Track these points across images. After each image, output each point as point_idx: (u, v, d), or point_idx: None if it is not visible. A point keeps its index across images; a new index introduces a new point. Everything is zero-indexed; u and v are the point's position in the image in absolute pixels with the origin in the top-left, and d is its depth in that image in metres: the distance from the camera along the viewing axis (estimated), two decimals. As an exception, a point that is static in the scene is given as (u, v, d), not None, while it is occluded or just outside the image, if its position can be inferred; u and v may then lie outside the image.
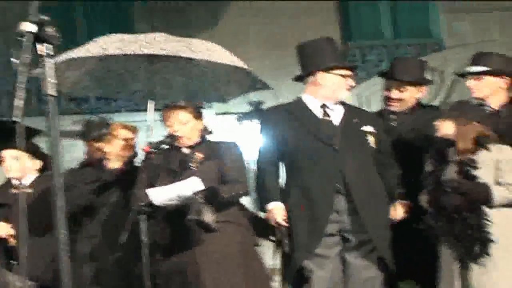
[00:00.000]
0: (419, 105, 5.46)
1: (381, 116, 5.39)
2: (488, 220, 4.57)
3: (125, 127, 5.50)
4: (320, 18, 10.21)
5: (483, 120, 4.82)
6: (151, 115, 5.44)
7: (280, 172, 5.01)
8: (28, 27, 2.54)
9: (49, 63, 2.59)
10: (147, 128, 5.40)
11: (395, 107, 5.39)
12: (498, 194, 4.61)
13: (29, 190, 5.38)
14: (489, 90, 5.12)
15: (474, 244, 4.54)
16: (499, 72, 5.10)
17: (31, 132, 5.40)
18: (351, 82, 5.00)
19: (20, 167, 5.45)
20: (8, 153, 5.45)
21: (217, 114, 9.76)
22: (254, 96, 9.22)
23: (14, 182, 5.47)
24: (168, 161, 4.98)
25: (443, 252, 4.69)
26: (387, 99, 5.42)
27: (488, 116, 4.99)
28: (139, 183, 4.90)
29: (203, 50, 5.33)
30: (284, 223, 4.81)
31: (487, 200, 4.59)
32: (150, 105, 5.52)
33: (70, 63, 5.33)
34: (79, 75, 5.63)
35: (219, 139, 5.18)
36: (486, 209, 4.61)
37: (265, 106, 8.00)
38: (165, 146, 4.94)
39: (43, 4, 2.49)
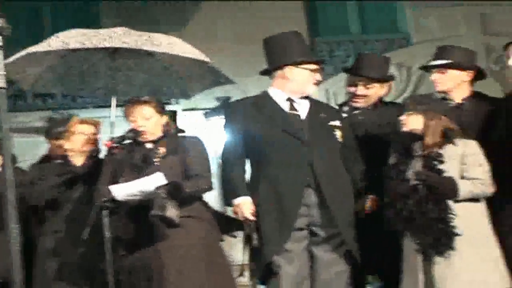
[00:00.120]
0: (381, 102, 5.47)
1: (342, 111, 5.37)
2: (453, 214, 4.57)
3: (84, 122, 5.47)
4: (288, 14, 10.19)
5: (446, 114, 4.83)
6: (113, 111, 5.40)
7: (245, 166, 4.98)
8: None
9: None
10: (110, 124, 5.36)
11: (360, 103, 5.39)
12: (464, 188, 4.61)
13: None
14: (452, 84, 5.14)
15: (438, 237, 4.54)
16: (462, 65, 5.13)
17: None
18: (318, 76, 5.00)
19: None
20: None
21: (184, 110, 9.72)
22: (221, 92, 9.19)
23: None
24: (131, 156, 4.94)
25: (405, 245, 4.69)
26: (352, 95, 5.40)
27: (451, 109, 5.02)
28: (102, 178, 4.87)
29: (165, 43, 5.34)
30: (252, 218, 4.77)
31: (454, 193, 4.59)
32: (113, 101, 5.48)
33: (31, 59, 5.30)
34: (40, 72, 5.61)
35: (184, 134, 5.15)
36: (450, 203, 4.61)
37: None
38: (128, 141, 4.91)
39: (8, 4, 2.44)
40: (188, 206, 4.82)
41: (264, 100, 4.99)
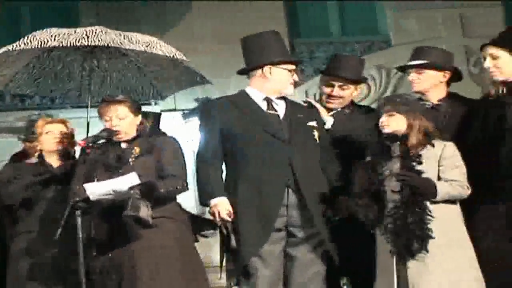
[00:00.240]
0: (353, 104, 5.48)
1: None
2: (431, 216, 4.56)
3: (51, 121, 5.45)
4: (268, 15, 10.16)
5: (424, 115, 4.82)
6: (88, 111, 5.39)
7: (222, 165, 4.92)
8: None
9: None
10: (86, 124, 5.35)
11: (335, 104, 5.37)
12: (441, 189, 4.60)
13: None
14: (429, 84, 5.15)
15: (414, 239, 4.52)
16: (438, 65, 5.13)
17: None
18: (296, 77, 4.98)
19: None
20: None
21: (163, 111, 9.64)
22: (201, 93, 9.16)
23: None
24: (106, 156, 4.92)
25: (379, 246, 4.67)
26: (328, 96, 5.37)
27: (427, 110, 5.02)
28: (76, 178, 4.85)
29: (142, 42, 5.33)
30: (229, 219, 4.71)
31: (433, 195, 4.58)
32: (89, 102, 5.47)
33: (6, 59, 5.28)
34: (14, 73, 5.59)
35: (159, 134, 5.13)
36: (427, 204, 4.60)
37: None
38: (102, 141, 4.88)
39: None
40: (162, 206, 4.80)
41: (242, 99, 4.95)
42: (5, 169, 5.53)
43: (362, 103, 9.08)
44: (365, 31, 10.99)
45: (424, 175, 4.61)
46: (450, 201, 4.65)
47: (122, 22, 9.03)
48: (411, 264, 4.52)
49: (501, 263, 4.59)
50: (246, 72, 5.01)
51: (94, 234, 4.74)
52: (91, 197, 4.67)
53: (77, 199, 4.61)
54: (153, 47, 5.40)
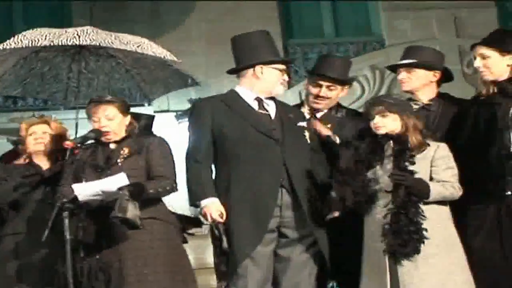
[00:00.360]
0: (339, 105, 5.46)
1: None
2: (424, 216, 4.54)
3: (34, 123, 5.42)
4: (262, 15, 10.14)
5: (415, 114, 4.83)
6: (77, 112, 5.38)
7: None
8: None
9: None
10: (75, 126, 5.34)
11: (322, 105, 5.35)
12: (434, 189, 4.59)
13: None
14: (418, 83, 5.14)
15: (410, 239, 4.50)
16: (428, 65, 5.12)
17: None
18: (286, 77, 4.95)
19: None
20: None
21: (156, 112, 9.63)
22: (195, 94, 9.14)
23: None
24: (94, 156, 4.90)
25: (368, 246, 4.65)
26: (315, 97, 5.34)
27: (418, 110, 5.01)
28: (64, 179, 4.82)
29: (133, 42, 5.32)
30: (221, 220, 4.66)
31: (426, 195, 4.57)
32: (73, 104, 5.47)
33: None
34: (2, 73, 5.58)
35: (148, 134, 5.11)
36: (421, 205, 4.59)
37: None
38: (90, 142, 4.86)
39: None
40: (152, 207, 4.78)
41: (233, 99, 4.91)
42: None
43: (356, 104, 9.15)
44: (358, 32, 10.98)
45: (416, 176, 4.59)
46: (441, 202, 4.64)
47: (115, 23, 9.01)
48: (403, 264, 4.51)
49: (491, 263, 4.59)
50: (236, 71, 4.98)
51: (81, 236, 4.71)
52: (79, 198, 4.65)
53: (64, 200, 4.59)
54: (144, 48, 5.40)
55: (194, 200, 4.76)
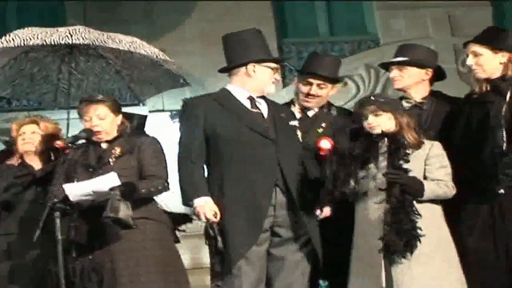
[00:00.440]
0: (330, 104, 5.43)
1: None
2: (419, 215, 4.54)
3: (23, 123, 5.42)
4: (256, 15, 10.10)
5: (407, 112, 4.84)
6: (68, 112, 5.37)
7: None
8: None
9: None
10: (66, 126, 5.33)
11: (312, 103, 5.32)
12: (428, 188, 4.59)
13: None
14: (410, 81, 5.13)
15: (410, 238, 4.50)
16: (420, 62, 5.11)
17: None
18: (277, 76, 4.94)
19: None
20: None
21: (151, 111, 9.62)
22: (190, 94, 9.11)
23: None
24: (86, 156, 4.88)
25: (360, 244, 4.63)
26: (306, 95, 5.32)
27: (410, 109, 5.01)
28: (55, 179, 4.80)
29: (125, 41, 5.32)
30: (215, 219, 4.63)
31: (420, 193, 4.57)
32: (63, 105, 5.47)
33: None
34: None
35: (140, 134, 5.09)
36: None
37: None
38: (81, 141, 4.84)
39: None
40: (144, 207, 4.77)
41: (225, 97, 4.88)
42: None
43: (351, 103, 9.11)
44: (353, 31, 10.93)
45: (410, 174, 4.59)
46: (434, 201, 4.64)
47: (109, 22, 8.99)
48: (398, 263, 4.50)
49: (484, 263, 4.59)
50: (228, 70, 4.96)
51: (74, 236, 4.70)
52: (71, 198, 4.64)
53: (55, 200, 4.57)
54: (136, 47, 5.40)
55: (187, 200, 4.72)
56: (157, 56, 5.54)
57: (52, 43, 5.26)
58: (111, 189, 4.56)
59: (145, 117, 5.78)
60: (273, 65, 4.90)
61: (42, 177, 5.16)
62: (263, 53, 4.89)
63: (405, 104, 5.11)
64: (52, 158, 5.27)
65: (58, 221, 4.53)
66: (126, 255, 4.66)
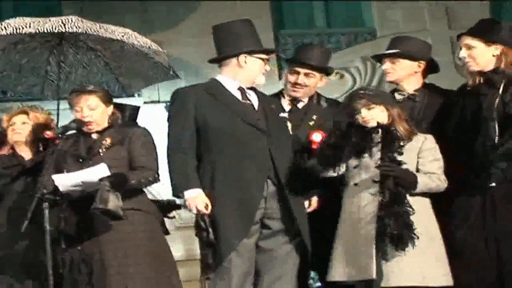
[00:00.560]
0: (319, 95, 5.42)
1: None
2: (412, 208, 4.52)
3: (14, 114, 5.39)
4: (253, 6, 10.07)
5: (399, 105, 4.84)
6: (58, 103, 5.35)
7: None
8: None
9: None
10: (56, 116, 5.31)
11: (300, 93, 5.29)
12: (421, 181, 4.58)
13: None
14: (403, 73, 5.10)
15: (408, 230, 4.48)
16: (411, 55, 5.08)
17: None
18: (268, 67, 4.91)
19: None
20: None
21: (146, 102, 9.60)
22: (185, 85, 9.07)
23: None
24: (76, 146, 4.86)
25: (346, 232, 4.63)
26: (293, 85, 5.29)
27: (403, 101, 5.01)
28: (45, 169, 4.77)
29: (118, 32, 5.32)
30: (207, 211, 4.60)
31: (413, 186, 4.56)
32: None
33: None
34: None
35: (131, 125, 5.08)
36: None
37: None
38: (72, 132, 4.82)
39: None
40: (134, 198, 4.75)
41: (216, 88, 4.84)
42: None
43: (347, 95, 9.08)
44: (350, 23, 10.91)
45: (404, 166, 4.57)
46: (424, 193, 4.63)
47: (104, 13, 8.98)
48: (388, 254, 4.49)
49: (475, 255, 4.56)
50: (219, 60, 4.92)
51: (63, 227, 4.68)
52: (60, 189, 4.62)
53: (44, 191, 4.56)
54: (128, 38, 5.38)
55: (177, 191, 4.69)
56: (149, 47, 5.52)
57: (46, 31, 5.24)
58: (101, 179, 4.54)
59: (137, 108, 5.76)
60: (264, 56, 4.87)
61: (32, 168, 5.14)
62: (254, 44, 4.85)
63: (397, 96, 5.11)
64: (41, 149, 5.24)
65: (46, 211, 4.52)
66: (115, 246, 4.64)
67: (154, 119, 7.30)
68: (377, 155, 4.63)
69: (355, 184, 4.67)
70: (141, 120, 5.72)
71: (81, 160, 4.79)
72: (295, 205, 4.72)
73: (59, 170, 4.75)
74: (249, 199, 4.66)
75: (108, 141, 4.82)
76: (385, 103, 4.69)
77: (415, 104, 5.05)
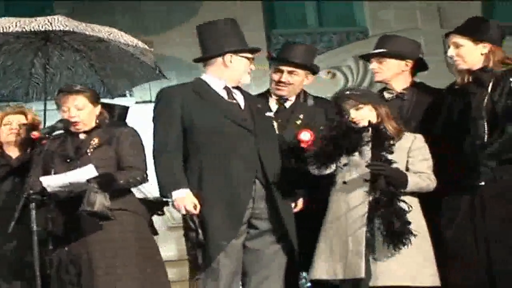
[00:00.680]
0: (306, 93, 5.39)
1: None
2: (409, 205, 4.53)
3: (11, 112, 5.37)
4: (245, 5, 10.07)
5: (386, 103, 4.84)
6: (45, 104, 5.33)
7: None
8: None
9: None
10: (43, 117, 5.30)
11: (284, 91, 5.27)
12: (411, 180, 4.57)
13: None
14: (390, 73, 5.10)
15: (403, 229, 4.48)
16: (398, 54, 5.07)
17: None
18: (253, 66, 4.89)
19: None
20: None
21: (138, 102, 9.58)
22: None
23: None
24: (64, 147, 4.85)
25: (333, 229, 4.62)
26: (277, 83, 5.28)
27: (392, 100, 5.02)
28: (32, 169, 4.73)
29: (104, 31, 5.30)
30: (196, 212, 4.57)
31: (403, 185, 4.55)
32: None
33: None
34: None
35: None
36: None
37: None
38: (59, 132, 4.80)
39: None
40: (121, 198, 4.75)
41: (202, 87, 4.81)
42: None
43: (333, 96, 9.07)
44: (342, 22, 10.91)
45: (394, 166, 4.57)
46: (413, 193, 4.63)
47: (96, 14, 8.95)
48: (377, 253, 4.49)
49: (464, 255, 4.55)
50: (203, 60, 4.90)
51: (50, 227, 4.67)
52: (49, 189, 4.62)
53: (31, 191, 4.54)
54: (115, 36, 5.37)
55: (165, 192, 4.65)
56: (135, 46, 5.50)
57: (32, 30, 5.22)
58: (88, 180, 4.53)
59: (126, 108, 5.74)
60: (249, 55, 4.85)
61: (19, 168, 5.10)
62: (239, 43, 4.83)
63: (386, 95, 5.11)
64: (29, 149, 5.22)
65: (33, 212, 4.51)
66: (103, 246, 4.63)
67: (146, 119, 7.29)
68: (368, 153, 4.62)
69: (344, 182, 4.66)
70: (133, 120, 5.70)
71: (68, 160, 4.78)
72: (282, 205, 4.70)
73: (46, 170, 4.74)
74: (237, 200, 4.64)
75: (95, 141, 4.81)
76: (373, 102, 4.69)
77: (404, 103, 5.05)
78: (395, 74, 5.08)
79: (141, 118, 5.89)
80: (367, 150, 4.63)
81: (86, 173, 4.56)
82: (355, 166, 4.64)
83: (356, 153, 4.64)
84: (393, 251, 4.46)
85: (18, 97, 6.16)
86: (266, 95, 5.38)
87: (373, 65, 5.13)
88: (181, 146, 4.70)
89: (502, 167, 4.55)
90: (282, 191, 4.72)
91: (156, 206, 5.06)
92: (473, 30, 4.71)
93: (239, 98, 4.85)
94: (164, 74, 5.84)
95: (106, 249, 4.63)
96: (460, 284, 4.56)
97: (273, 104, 5.30)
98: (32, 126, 5.33)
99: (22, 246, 4.86)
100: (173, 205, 4.67)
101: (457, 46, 4.72)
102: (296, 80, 5.27)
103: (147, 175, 4.83)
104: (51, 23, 5.26)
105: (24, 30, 5.23)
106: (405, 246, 4.45)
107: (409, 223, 4.48)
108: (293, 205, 4.85)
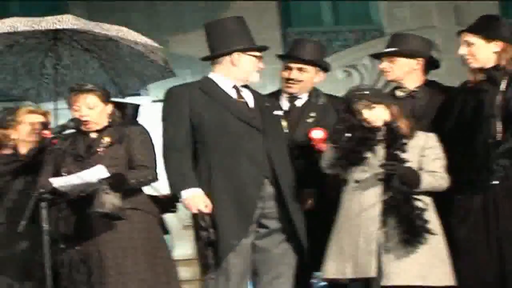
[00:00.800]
0: (317, 91, 5.36)
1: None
2: (425, 203, 4.52)
3: (32, 111, 5.36)
4: (260, 4, 10.07)
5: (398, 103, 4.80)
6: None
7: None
8: None
9: None
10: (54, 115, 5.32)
11: (294, 89, 5.27)
12: (425, 179, 4.55)
13: None
14: (401, 72, 5.07)
15: (419, 228, 4.47)
16: (409, 53, 5.05)
17: None
18: (261, 64, 4.87)
19: None
20: None
21: (155, 101, 9.59)
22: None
23: None
24: (75, 146, 4.85)
25: (345, 229, 4.60)
26: (287, 80, 5.27)
27: (404, 99, 4.99)
28: (44, 169, 4.75)
29: (113, 29, 5.31)
30: (207, 211, 4.57)
31: (416, 185, 4.53)
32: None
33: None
34: None
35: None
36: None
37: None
38: (70, 131, 4.81)
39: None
40: (132, 197, 4.74)
41: (210, 86, 4.80)
42: None
43: (344, 95, 9.05)
44: (357, 20, 10.87)
45: (407, 164, 4.55)
46: (426, 192, 4.60)
47: (110, 13, 8.97)
48: (389, 253, 4.47)
49: (476, 254, 4.53)
50: (211, 58, 4.89)
51: (61, 227, 4.69)
52: (59, 189, 4.63)
53: (42, 191, 4.55)
54: (123, 35, 5.38)
55: (176, 190, 4.66)
56: (145, 44, 5.51)
57: (41, 28, 5.24)
58: (99, 181, 4.54)
59: (137, 106, 5.75)
60: (257, 53, 4.84)
61: (31, 165, 5.09)
62: (247, 42, 4.82)
63: (399, 93, 5.09)
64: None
65: (44, 211, 4.53)
66: (113, 246, 4.64)
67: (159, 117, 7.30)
68: (380, 152, 4.60)
69: (357, 182, 4.64)
70: (149, 119, 5.71)
71: (80, 159, 4.78)
72: (291, 204, 4.70)
73: (57, 170, 4.75)
74: (246, 199, 4.63)
75: (106, 140, 4.81)
76: (385, 101, 4.67)
77: (416, 101, 5.02)
78: (406, 72, 5.05)
79: (158, 116, 5.91)
80: (380, 149, 4.61)
81: (96, 173, 4.57)
82: (368, 165, 4.62)
83: (371, 154, 4.62)
84: (405, 251, 4.45)
85: (31, 98, 6.17)
86: (277, 94, 5.37)
87: (384, 64, 5.12)
88: (190, 145, 4.70)
89: (515, 166, 4.51)
90: (291, 190, 4.72)
91: (167, 203, 5.06)
92: (485, 28, 4.68)
93: (248, 97, 4.84)
94: (174, 72, 5.83)
95: (117, 249, 4.63)
96: (472, 284, 4.53)
97: (284, 102, 5.29)
98: (44, 125, 5.35)
99: (33, 246, 4.86)
100: (183, 204, 4.68)
101: (468, 44, 4.70)
102: (305, 77, 5.25)
103: (157, 174, 4.83)
104: (60, 21, 5.28)
105: (33, 28, 5.24)
106: (421, 246, 4.43)
107: (428, 221, 4.47)
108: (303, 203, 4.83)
